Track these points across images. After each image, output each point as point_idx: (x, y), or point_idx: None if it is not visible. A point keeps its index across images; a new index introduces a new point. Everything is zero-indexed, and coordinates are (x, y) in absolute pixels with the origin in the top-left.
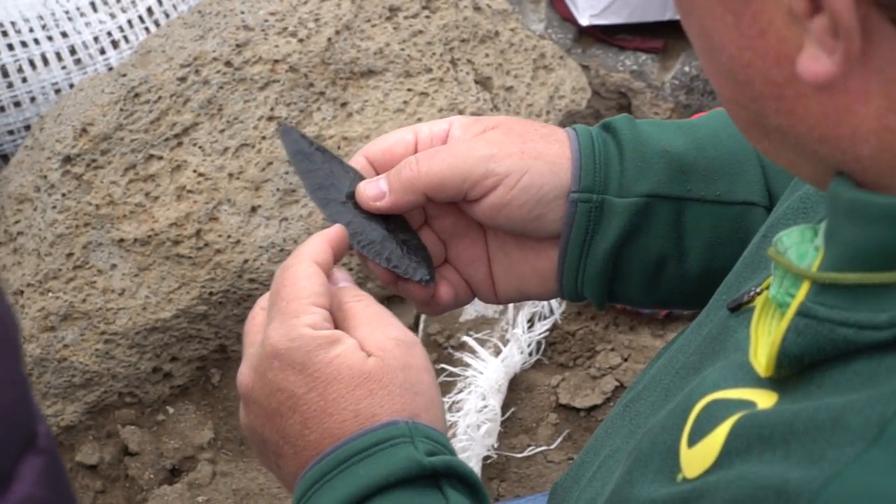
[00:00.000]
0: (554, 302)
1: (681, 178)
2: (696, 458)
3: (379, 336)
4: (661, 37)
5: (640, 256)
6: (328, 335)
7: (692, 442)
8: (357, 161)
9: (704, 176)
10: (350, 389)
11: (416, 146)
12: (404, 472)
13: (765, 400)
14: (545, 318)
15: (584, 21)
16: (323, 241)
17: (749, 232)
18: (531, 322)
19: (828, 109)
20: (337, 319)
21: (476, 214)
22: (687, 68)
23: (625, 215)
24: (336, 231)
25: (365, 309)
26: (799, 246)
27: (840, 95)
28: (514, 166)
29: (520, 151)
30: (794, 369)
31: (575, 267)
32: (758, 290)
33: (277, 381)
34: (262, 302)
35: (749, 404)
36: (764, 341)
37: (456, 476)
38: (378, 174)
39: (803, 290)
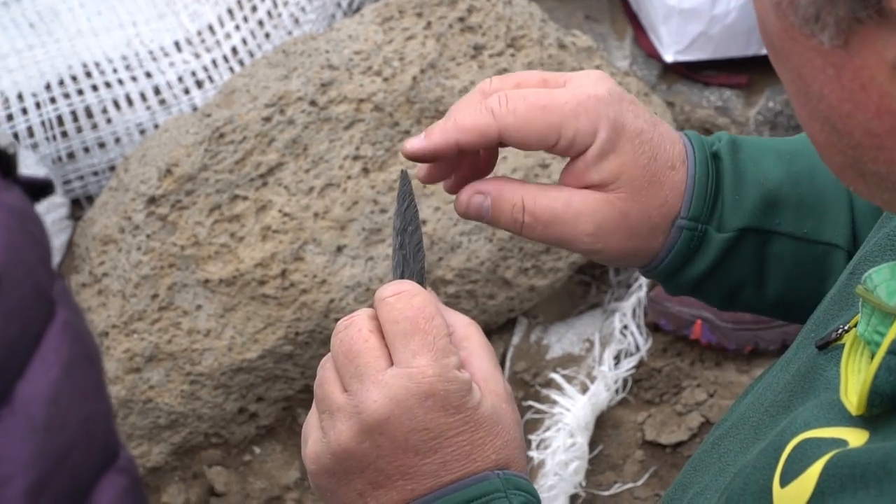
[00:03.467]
0: (640, 339)
1: (772, 211)
2: (790, 499)
3: (499, 382)
4: (746, 72)
5: (723, 280)
6: (469, 379)
7: (785, 482)
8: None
9: (795, 212)
10: (492, 438)
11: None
12: None
13: (856, 438)
14: (631, 354)
15: (668, 57)
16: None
17: (828, 272)
18: (617, 359)
19: None
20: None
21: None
22: (771, 104)
23: (718, 249)
24: None
25: (482, 339)
26: (889, 283)
27: None
28: (612, 254)
29: (621, 249)
30: (885, 407)
31: (660, 279)
32: (846, 327)
33: (426, 420)
34: (367, 324)
35: (841, 443)
36: (854, 379)
37: None
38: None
39: (895, 328)
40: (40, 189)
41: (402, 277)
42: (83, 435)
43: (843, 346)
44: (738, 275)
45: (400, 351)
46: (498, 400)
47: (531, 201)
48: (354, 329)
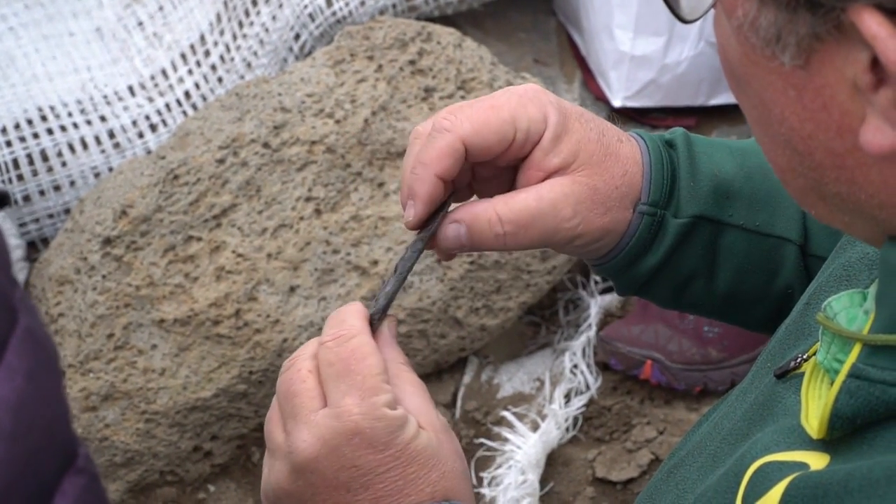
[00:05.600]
0: (590, 378)
1: (725, 203)
2: None
3: (432, 414)
4: (693, 116)
5: (675, 272)
6: (403, 416)
7: None
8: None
9: (748, 204)
10: (426, 471)
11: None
12: None
13: (817, 461)
14: (581, 393)
15: (616, 102)
16: (358, 310)
17: (779, 265)
18: (568, 397)
19: (888, 178)
20: None
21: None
22: None
23: (674, 235)
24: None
25: (412, 376)
26: (849, 310)
27: None
28: (594, 234)
29: (601, 225)
30: (845, 430)
31: (616, 271)
32: (804, 356)
33: (354, 458)
34: (307, 364)
35: (802, 466)
36: (815, 404)
37: None
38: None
39: (855, 353)
40: None
41: (376, 298)
42: (47, 439)
43: (802, 374)
44: (690, 266)
45: (332, 392)
46: (434, 432)
47: (504, 210)
48: (294, 370)
